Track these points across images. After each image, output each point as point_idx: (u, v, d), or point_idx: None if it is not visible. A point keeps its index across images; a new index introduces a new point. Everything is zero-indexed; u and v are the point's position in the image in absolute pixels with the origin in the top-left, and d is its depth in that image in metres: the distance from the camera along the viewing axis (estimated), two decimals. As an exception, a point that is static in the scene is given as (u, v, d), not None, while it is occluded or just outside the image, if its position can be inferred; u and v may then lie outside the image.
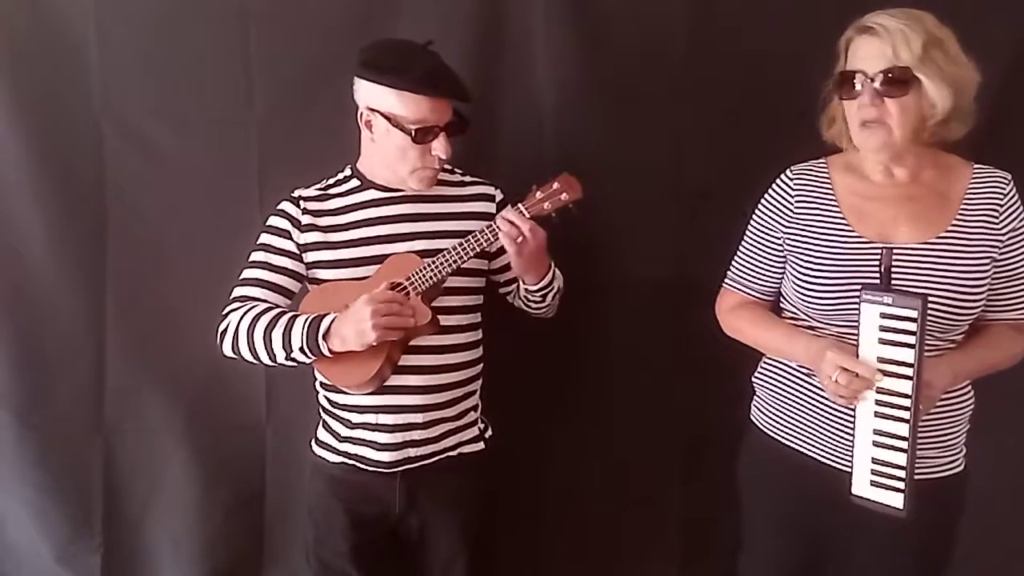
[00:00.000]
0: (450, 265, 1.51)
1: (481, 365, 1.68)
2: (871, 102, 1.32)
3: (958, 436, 1.47)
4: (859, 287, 1.33)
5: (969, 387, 1.48)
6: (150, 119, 1.96)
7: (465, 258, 1.51)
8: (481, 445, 1.69)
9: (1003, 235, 1.39)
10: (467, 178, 1.69)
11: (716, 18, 1.87)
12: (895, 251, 1.36)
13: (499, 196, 1.68)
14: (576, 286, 1.74)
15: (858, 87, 1.34)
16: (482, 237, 1.50)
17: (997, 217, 1.39)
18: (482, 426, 1.72)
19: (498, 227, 1.48)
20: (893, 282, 1.34)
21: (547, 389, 2.01)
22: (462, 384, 1.62)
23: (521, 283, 1.62)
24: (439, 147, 1.51)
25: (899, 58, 1.30)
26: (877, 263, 1.36)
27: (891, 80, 1.31)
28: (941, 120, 1.34)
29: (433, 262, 1.50)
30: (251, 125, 1.95)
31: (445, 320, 1.55)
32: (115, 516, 2.09)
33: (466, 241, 1.50)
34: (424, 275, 1.50)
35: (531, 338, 1.85)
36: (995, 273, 1.40)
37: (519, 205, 1.51)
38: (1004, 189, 1.40)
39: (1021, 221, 1.41)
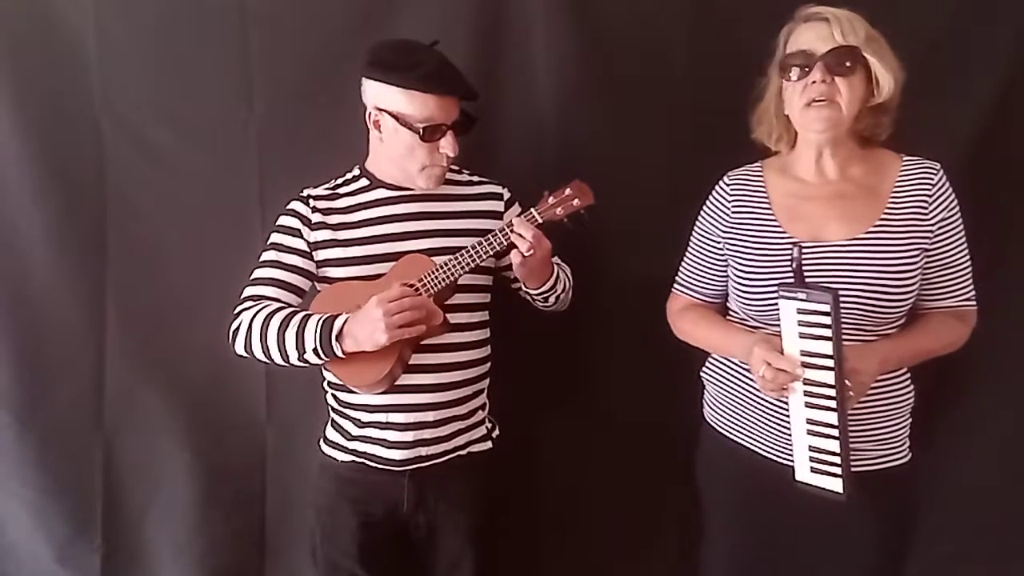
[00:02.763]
0: (463, 267, 1.51)
1: (489, 364, 1.69)
2: (822, 78, 1.35)
3: (898, 428, 1.48)
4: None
5: (907, 380, 1.50)
6: (150, 119, 1.95)
7: (478, 260, 1.52)
8: (489, 444, 1.70)
9: (933, 225, 1.41)
10: (475, 178, 1.70)
11: (716, 18, 1.87)
12: (824, 249, 1.40)
13: (507, 195, 1.69)
14: (576, 286, 1.75)
15: (808, 67, 1.37)
16: (495, 240, 1.51)
17: (927, 208, 1.41)
18: (489, 425, 1.73)
19: (509, 233, 1.49)
20: (820, 279, 1.37)
21: (548, 389, 2.01)
22: (471, 382, 1.63)
23: (523, 285, 1.63)
24: (447, 145, 1.52)
25: (847, 39, 1.34)
26: (807, 259, 1.38)
27: (841, 58, 1.35)
28: (878, 110, 1.39)
29: (446, 264, 1.51)
30: (251, 125, 1.95)
31: (455, 318, 1.56)
32: (115, 516, 2.09)
33: (480, 244, 1.51)
34: (437, 277, 1.50)
35: (531, 338, 1.85)
36: (929, 262, 1.42)
37: (532, 210, 1.52)
38: (933, 179, 1.42)
39: (952, 211, 1.42)
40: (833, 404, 1.30)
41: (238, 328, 1.54)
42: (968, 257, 1.46)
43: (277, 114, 1.94)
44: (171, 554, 2.10)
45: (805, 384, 1.32)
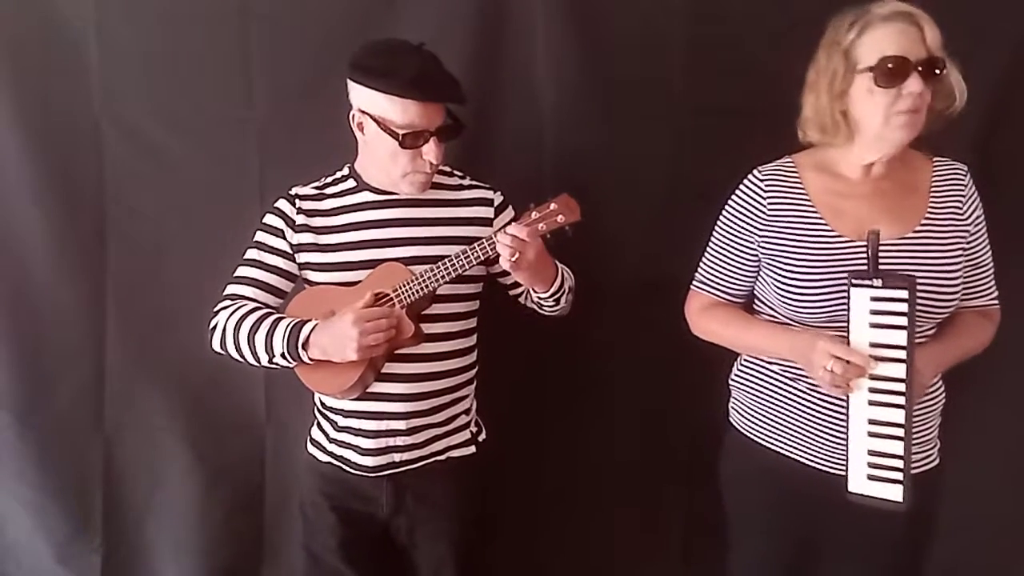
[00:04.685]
0: (441, 279, 1.47)
1: (474, 370, 1.67)
2: (920, 90, 1.30)
3: (932, 431, 1.48)
4: (844, 285, 1.34)
5: (940, 382, 1.49)
6: (150, 119, 1.96)
7: (454, 274, 1.48)
8: (472, 449, 1.68)
9: (969, 224, 1.42)
10: (466, 181, 1.65)
11: (715, 19, 1.87)
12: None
13: (498, 200, 1.65)
14: (575, 286, 1.74)
15: (904, 75, 1.30)
16: (471, 254, 1.46)
17: (962, 208, 1.42)
18: (475, 429, 1.70)
19: (496, 242, 1.44)
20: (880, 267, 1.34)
21: (546, 390, 2.01)
22: (449, 391, 1.60)
23: (532, 291, 1.59)
24: (430, 152, 1.48)
25: (933, 47, 1.30)
26: (859, 257, 1.37)
27: (937, 68, 1.30)
28: (937, 116, 1.36)
29: (422, 275, 1.48)
30: (251, 125, 1.95)
31: (434, 328, 1.54)
32: (115, 516, 2.10)
33: (459, 256, 1.47)
34: (411, 288, 1.48)
35: (529, 338, 1.85)
36: (964, 262, 1.42)
37: (513, 224, 1.46)
38: (964, 180, 1.43)
39: (981, 210, 1.43)
40: (901, 400, 1.26)
41: (214, 327, 1.55)
42: (991, 256, 1.46)
43: (277, 114, 1.95)
44: (171, 554, 2.11)
45: (872, 380, 1.28)
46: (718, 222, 1.56)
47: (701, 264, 1.60)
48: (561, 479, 2.05)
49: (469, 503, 1.67)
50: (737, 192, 1.53)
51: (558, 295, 1.59)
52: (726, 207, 1.54)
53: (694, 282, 1.61)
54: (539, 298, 1.61)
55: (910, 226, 1.39)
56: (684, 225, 1.94)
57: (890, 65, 1.30)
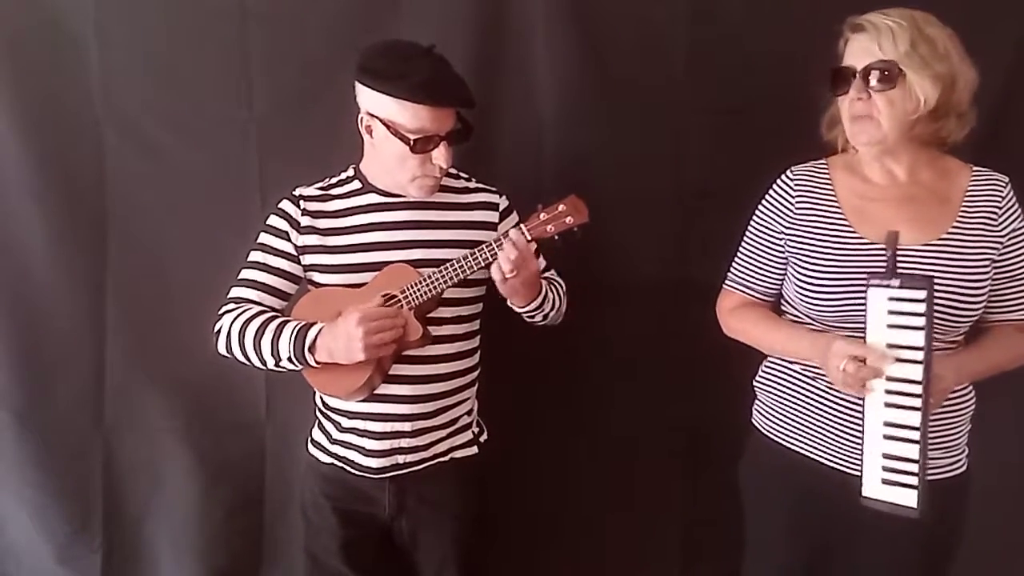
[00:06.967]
0: (448, 281, 1.47)
1: (477, 372, 1.67)
2: (858, 96, 1.36)
3: (960, 436, 1.47)
4: (861, 287, 1.33)
5: (970, 387, 1.48)
6: (150, 119, 1.96)
7: (465, 274, 1.48)
8: (474, 449, 1.68)
9: (1002, 237, 1.40)
10: (471, 184, 1.65)
11: (716, 19, 1.87)
12: (898, 252, 1.37)
13: (503, 204, 1.65)
14: (576, 286, 1.74)
15: (848, 82, 1.37)
16: (480, 256, 1.46)
17: (996, 219, 1.40)
18: (477, 430, 1.70)
19: (496, 250, 1.45)
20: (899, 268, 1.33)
21: (546, 390, 2.01)
22: (453, 393, 1.60)
23: (510, 302, 1.58)
24: (440, 156, 1.48)
25: (885, 53, 1.33)
26: (879, 261, 1.36)
27: (877, 74, 1.34)
28: (932, 116, 1.36)
29: (429, 277, 1.47)
30: (251, 125, 1.95)
31: (440, 330, 1.54)
32: (115, 516, 2.10)
33: (466, 258, 1.47)
34: (419, 290, 1.48)
35: (530, 338, 1.85)
36: (997, 274, 1.41)
37: (521, 227, 1.46)
38: (1002, 192, 1.42)
39: (1020, 222, 1.42)
40: (917, 403, 1.24)
41: (219, 331, 1.54)
42: None
43: (277, 115, 1.95)
44: (171, 554, 2.11)
45: (888, 381, 1.27)
46: (750, 221, 1.57)
47: (733, 263, 1.61)
48: (560, 479, 2.05)
49: (471, 504, 1.67)
50: (769, 191, 1.54)
51: (533, 313, 1.59)
52: (758, 206, 1.56)
53: (726, 281, 1.63)
54: (517, 309, 1.60)
55: (935, 234, 1.39)
56: (684, 225, 1.95)
57: (836, 74, 1.40)
